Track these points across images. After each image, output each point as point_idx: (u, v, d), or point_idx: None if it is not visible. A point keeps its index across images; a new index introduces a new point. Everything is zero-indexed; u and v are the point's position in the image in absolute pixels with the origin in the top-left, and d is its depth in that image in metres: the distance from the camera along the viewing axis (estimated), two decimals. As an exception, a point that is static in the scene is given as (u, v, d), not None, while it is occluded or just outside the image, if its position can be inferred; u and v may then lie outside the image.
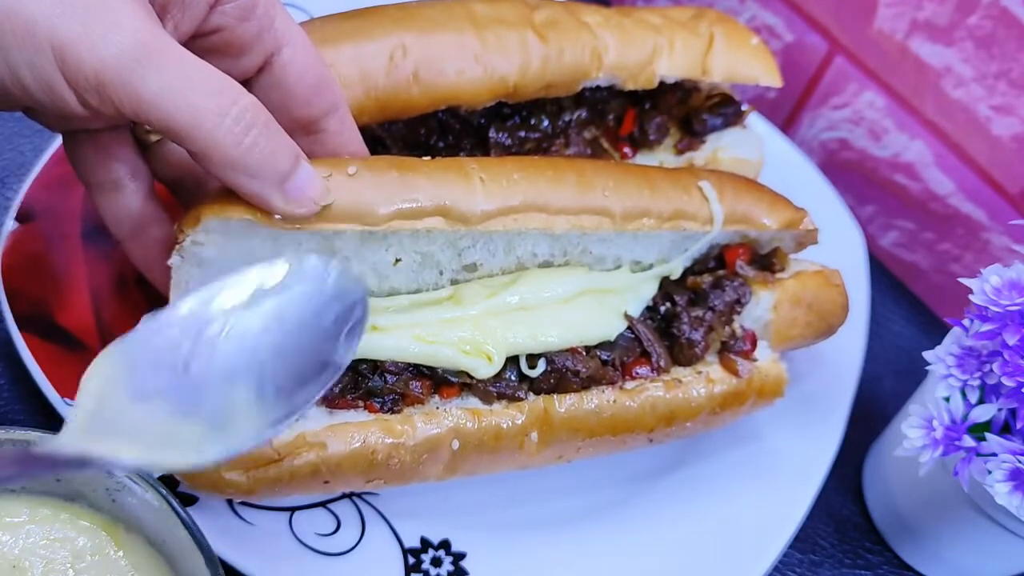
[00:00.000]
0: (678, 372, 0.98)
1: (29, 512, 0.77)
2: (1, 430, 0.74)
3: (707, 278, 1.02)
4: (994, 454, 0.88)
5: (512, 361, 0.91)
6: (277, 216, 0.78)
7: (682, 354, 0.98)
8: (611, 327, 0.95)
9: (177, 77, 0.69)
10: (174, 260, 0.81)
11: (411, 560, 0.95)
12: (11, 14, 0.65)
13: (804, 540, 1.12)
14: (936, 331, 1.29)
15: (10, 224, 1.01)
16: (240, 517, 0.91)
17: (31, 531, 0.77)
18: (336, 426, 0.84)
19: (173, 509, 0.74)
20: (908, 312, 1.39)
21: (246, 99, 0.72)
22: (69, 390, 0.92)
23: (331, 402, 0.86)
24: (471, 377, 0.89)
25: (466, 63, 1.02)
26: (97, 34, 0.66)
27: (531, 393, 0.92)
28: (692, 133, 1.20)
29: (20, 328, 0.94)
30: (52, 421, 0.92)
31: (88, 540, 0.78)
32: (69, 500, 0.79)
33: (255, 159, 0.73)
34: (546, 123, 1.12)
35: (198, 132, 0.70)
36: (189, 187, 0.91)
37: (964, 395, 0.92)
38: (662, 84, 1.14)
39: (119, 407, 0.62)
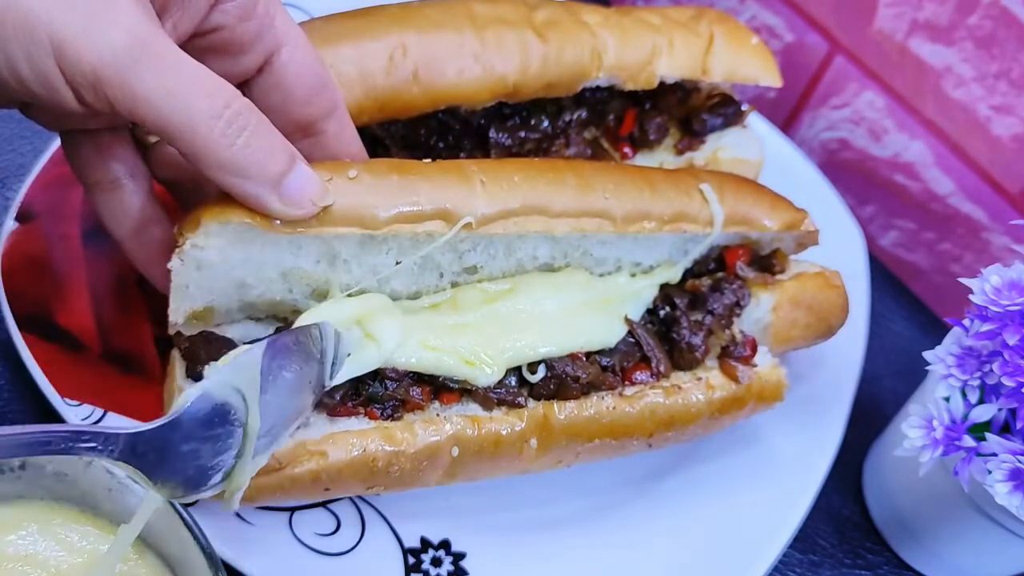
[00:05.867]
0: (678, 377, 0.98)
1: (31, 517, 0.78)
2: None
3: (706, 281, 1.02)
4: (994, 454, 0.88)
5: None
6: (276, 220, 0.78)
7: (682, 358, 0.98)
8: (612, 333, 0.95)
9: (172, 78, 0.69)
10: (174, 263, 0.81)
11: (411, 560, 0.95)
12: (11, 7, 0.65)
13: (804, 540, 1.12)
14: (936, 331, 1.29)
15: (10, 224, 1.01)
16: (240, 517, 0.91)
17: (34, 531, 0.77)
18: (336, 434, 0.84)
19: (175, 509, 0.74)
20: (908, 312, 1.39)
21: (239, 102, 0.72)
22: (69, 390, 0.92)
23: (332, 410, 0.86)
24: (471, 383, 0.89)
25: (466, 63, 1.02)
26: (96, 30, 0.66)
27: (531, 399, 0.92)
28: (692, 133, 1.20)
29: (20, 328, 0.94)
30: (52, 421, 0.92)
31: (87, 542, 0.78)
32: (69, 503, 0.79)
33: (247, 160, 0.73)
34: (546, 123, 1.12)
35: (191, 133, 0.70)
36: (187, 188, 0.91)
37: (964, 395, 0.92)
38: (662, 84, 1.14)
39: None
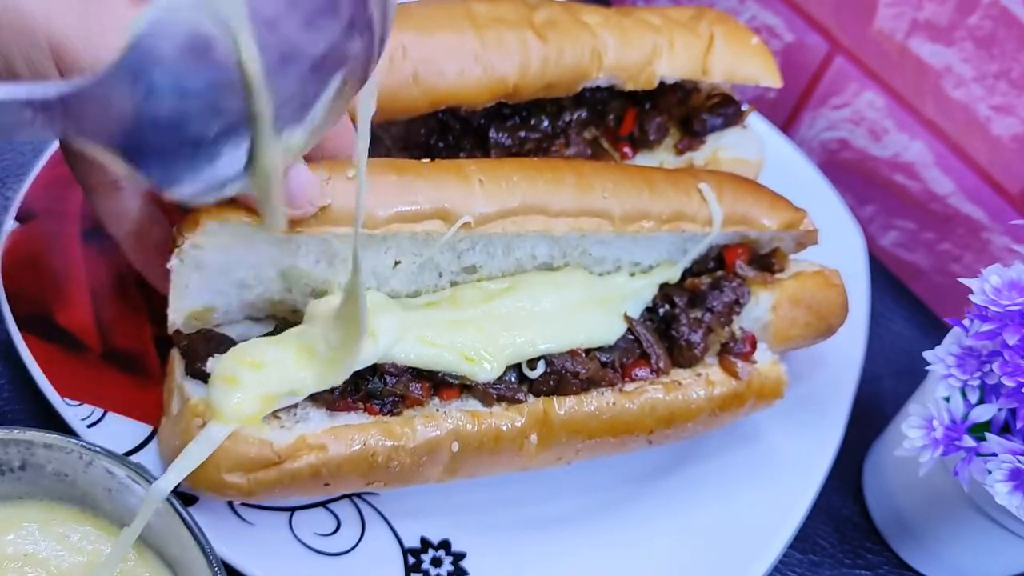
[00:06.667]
0: (678, 374, 0.98)
1: (30, 517, 0.78)
2: (1, 430, 0.74)
3: (705, 279, 1.02)
4: (994, 454, 0.88)
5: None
6: None
7: (681, 356, 0.98)
8: (611, 330, 0.95)
9: None
10: (173, 263, 0.81)
11: (411, 560, 0.95)
12: (9, 8, 0.65)
13: (804, 540, 1.12)
14: (936, 331, 1.29)
15: (10, 224, 1.01)
16: (240, 517, 0.91)
17: (33, 530, 0.77)
18: (336, 428, 0.85)
19: (175, 509, 0.74)
20: (908, 312, 1.39)
21: None
22: (69, 390, 0.92)
23: (331, 404, 0.86)
24: (471, 379, 0.89)
25: (466, 63, 1.02)
26: (94, 33, 0.66)
27: (531, 395, 0.92)
28: (692, 133, 1.20)
29: (20, 328, 0.94)
30: (52, 421, 0.92)
31: (87, 542, 0.78)
32: (69, 503, 0.79)
33: None
34: (546, 123, 1.12)
35: None
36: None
37: (964, 395, 0.92)
38: (662, 84, 1.14)
39: None
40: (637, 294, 0.98)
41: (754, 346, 1.02)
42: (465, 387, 0.90)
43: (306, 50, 0.54)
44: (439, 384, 0.89)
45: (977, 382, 0.92)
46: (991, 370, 0.90)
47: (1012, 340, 0.88)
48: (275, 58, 0.51)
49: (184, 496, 0.88)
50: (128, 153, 0.51)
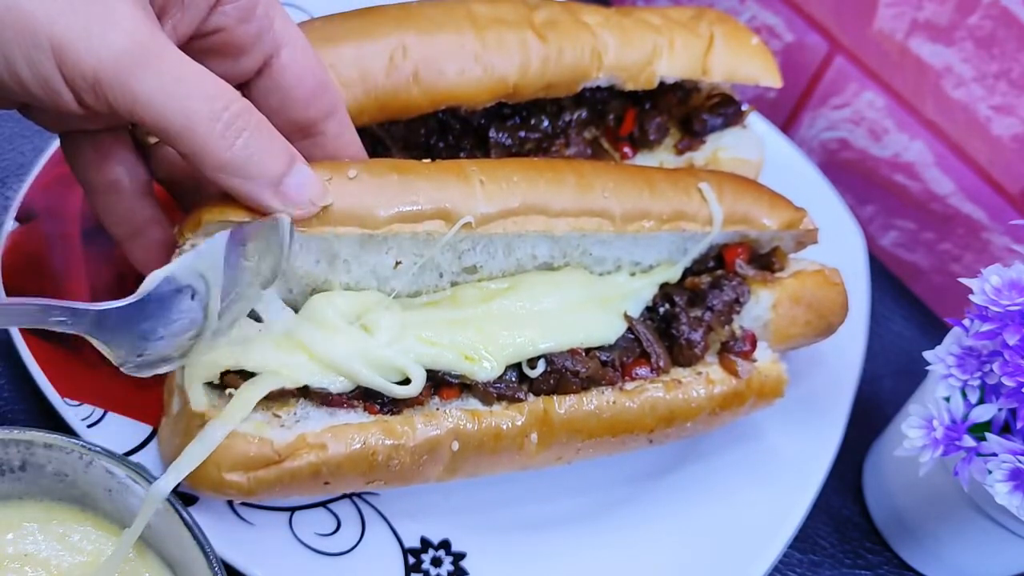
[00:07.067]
0: (678, 373, 0.98)
1: (31, 517, 0.78)
2: (1, 430, 0.74)
3: (705, 278, 1.02)
4: (994, 454, 0.88)
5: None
6: None
7: (682, 355, 0.98)
8: (611, 329, 0.95)
9: (172, 80, 0.69)
10: None
11: (411, 560, 0.95)
12: (12, 10, 0.65)
13: (804, 540, 1.12)
14: (936, 331, 1.29)
15: (10, 224, 1.01)
16: (240, 517, 0.91)
17: (33, 530, 0.78)
18: (336, 427, 0.85)
19: (175, 509, 0.74)
20: (908, 312, 1.39)
21: (239, 103, 0.72)
22: (69, 390, 0.92)
23: (331, 403, 0.86)
24: (471, 378, 0.89)
25: (466, 63, 1.02)
26: (96, 33, 0.66)
27: (531, 394, 0.92)
28: (692, 133, 1.20)
29: (20, 328, 0.94)
30: (52, 421, 0.92)
31: (87, 542, 0.78)
32: (69, 503, 0.79)
33: (247, 161, 0.73)
34: (546, 123, 1.12)
35: (191, 135, 0.70)
36: (188, 189, 0.91)
37: (964, 395, 0.92)
38: (662, 84, 1.14)
39: None
40: (637, 293, 0.98)
41: (754, 345, 1.02)
42: (465, 386, 0.90)
43: (243, 296, 0.80)
44: (439, 383, 0.89)
45: (977, 382, 0.92)
46: (991, 370, 0.90)
47: (1012, 340, 0.88)
48: (225, 302, 0.77)
49: (184, 496, 0.88)
50: (111, 342, 0.73)
